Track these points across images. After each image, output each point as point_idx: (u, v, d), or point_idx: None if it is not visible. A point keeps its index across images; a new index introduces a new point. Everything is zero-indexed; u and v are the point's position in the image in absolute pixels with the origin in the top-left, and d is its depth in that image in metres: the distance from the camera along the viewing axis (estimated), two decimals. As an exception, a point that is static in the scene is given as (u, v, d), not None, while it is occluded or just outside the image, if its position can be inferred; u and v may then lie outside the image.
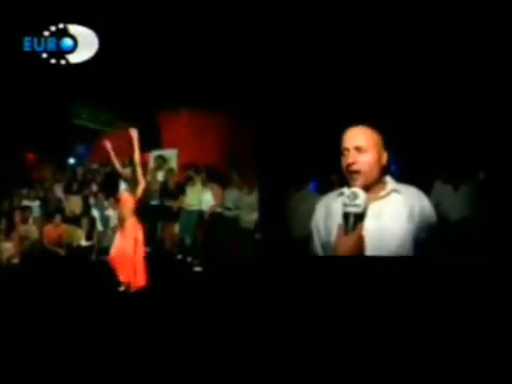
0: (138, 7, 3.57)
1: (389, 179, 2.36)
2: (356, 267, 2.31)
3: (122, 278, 4.65)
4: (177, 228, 6.73)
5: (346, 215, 2.15)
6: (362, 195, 2.15)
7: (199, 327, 2.90)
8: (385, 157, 2.32)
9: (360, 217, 2.14)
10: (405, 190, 2.34)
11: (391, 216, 2.28)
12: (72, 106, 6.42)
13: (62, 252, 6.08)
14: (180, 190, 6.84)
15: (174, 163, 7.47)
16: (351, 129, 2.37)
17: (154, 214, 6.58)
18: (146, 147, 7.18)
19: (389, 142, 2.34)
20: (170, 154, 7.42)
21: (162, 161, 7.35)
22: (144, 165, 7.17)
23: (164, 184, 7.04)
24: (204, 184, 6.48)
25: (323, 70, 3.70)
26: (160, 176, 7.19)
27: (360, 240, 2.11)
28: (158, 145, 7.25)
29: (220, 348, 2.66)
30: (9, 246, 5.82)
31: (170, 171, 7.15)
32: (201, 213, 6.41)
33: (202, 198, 6.40)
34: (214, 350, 2.64)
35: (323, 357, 2.47)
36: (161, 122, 7.22)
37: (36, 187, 6.22)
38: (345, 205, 2.15)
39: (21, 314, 3.33)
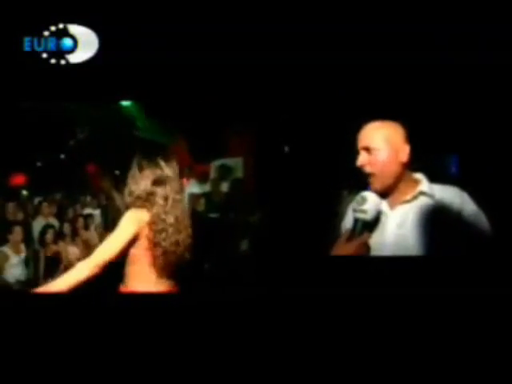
0: (138, 7, 3.38)
1: (421, 178, 2.04)
2: (362, 268, 2.05)
3: None
4: (244, 245, 6.33)
5: (355, 221, 1.98)
6: (370, 200, 1.95)
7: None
8: (405, 152, 1.98)
9: (368, 224, 1.96)
10: (440, 192, 1.96)
11: (416, 225, 1.93)
12: (134, 119, 6.58)
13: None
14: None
15: (240, 173, 7.12)
16: (363, 128, 2.07)
17: (215, 228, 6.31)
18: (205, 157, 7.06)
19: (412, 133, 2.00)
20: (235, 162, 7.10)
21: (226, 171, 7.08)
22: (205, 175, 7.02)
23: (230, 196, 6.76)
24: None
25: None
26: (224, 187, 6.91)
27: (360, 249, 1.92)
28: (220, 154, 7.03)
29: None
30: (74, 250, 6.09)
31: (236, 181, 6.84)
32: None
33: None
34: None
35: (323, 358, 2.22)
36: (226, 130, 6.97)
37: (98, 196, 6.47)
38: (354, 210, 1.99)
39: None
